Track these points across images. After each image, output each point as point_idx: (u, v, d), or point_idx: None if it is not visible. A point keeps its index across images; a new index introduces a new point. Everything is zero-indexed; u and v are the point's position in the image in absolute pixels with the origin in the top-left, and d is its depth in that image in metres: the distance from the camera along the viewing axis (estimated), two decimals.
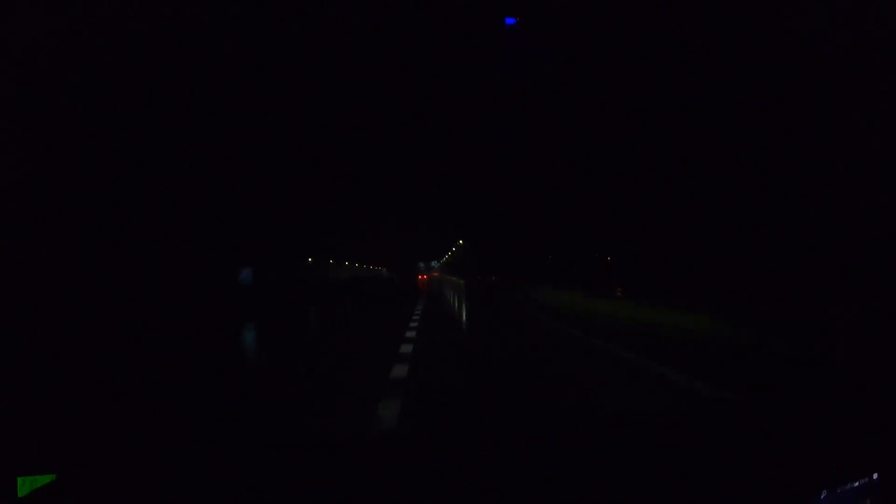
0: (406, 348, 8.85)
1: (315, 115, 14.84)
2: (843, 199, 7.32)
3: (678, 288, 12.09)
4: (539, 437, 1.96)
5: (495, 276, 42.98)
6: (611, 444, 1.85)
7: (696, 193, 11.06)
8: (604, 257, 19.78)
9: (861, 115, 7.01)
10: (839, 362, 5.61)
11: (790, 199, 8.41)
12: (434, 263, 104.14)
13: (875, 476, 1.42)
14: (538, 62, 11.02)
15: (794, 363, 6.07)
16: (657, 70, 10.01)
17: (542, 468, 1.60)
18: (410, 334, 10.92)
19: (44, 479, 1.60)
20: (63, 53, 7.14)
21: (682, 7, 8.35)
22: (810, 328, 6.68)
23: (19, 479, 1.60)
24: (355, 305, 22.71)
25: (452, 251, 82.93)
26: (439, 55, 11.05)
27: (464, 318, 17.05)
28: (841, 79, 7.13)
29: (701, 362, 6.63)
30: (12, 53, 6.52)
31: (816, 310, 7.26)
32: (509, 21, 9.54)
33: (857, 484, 1.41)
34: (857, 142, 7.14)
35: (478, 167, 22.90)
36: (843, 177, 7.30)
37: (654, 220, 13.67)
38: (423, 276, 75.51)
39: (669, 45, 9.12)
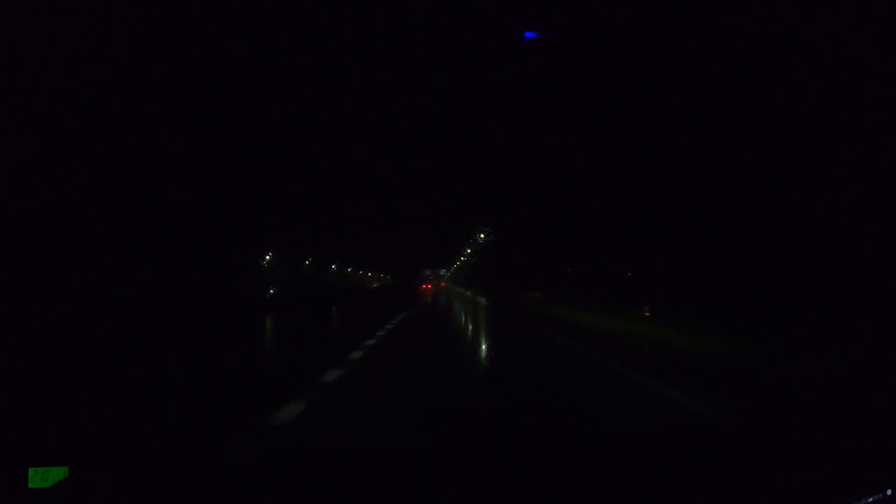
0: None
1: (314, 110, 14.47)
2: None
3: None
4: None
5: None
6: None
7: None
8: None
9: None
10: (848, 375, 5.52)
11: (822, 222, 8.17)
12: (443, 272, 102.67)
13: (889, 492, 1.41)
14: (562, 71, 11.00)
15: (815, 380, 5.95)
16: (675, 83, 9.99)
17: None
18: None
19: (56, 471, 1.60)
20: None
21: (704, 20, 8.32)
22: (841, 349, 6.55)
23: (31, 470, 1.61)
24: None
25: (462, 259, 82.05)
26: (446, 51, 10.99)
27: None
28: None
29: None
30: None
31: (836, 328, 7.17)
32: (529, 35, 9.50)
33: (871, 500, 1.39)
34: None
35: (496, 166, 21.41)
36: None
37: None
38: (427, 285, 72.58)
39: (699, 59, 9.06)
